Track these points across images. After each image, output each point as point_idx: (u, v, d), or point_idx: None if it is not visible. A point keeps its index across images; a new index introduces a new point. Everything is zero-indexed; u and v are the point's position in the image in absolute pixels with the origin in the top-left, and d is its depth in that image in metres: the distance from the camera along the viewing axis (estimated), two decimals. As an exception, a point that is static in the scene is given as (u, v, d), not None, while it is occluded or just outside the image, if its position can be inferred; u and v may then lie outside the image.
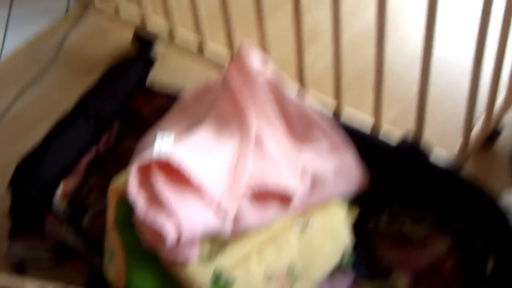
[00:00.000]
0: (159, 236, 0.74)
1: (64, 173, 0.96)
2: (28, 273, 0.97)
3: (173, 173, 0.80)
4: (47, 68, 1.37)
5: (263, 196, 0.84)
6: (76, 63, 1.38)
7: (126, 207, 0.80)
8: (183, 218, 0.75)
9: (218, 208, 0.79)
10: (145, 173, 0.80)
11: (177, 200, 0.77)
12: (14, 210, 0.96)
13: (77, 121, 1.02)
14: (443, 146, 1.06)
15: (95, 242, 0.88)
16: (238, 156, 0.87)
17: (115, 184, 0.83)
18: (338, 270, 0.91)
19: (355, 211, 0.94)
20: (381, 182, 0.95)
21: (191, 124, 0.97)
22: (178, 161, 0.79)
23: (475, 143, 1.06)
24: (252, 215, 0.82)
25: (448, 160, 1.04)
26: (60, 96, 1.29)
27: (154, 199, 0.77)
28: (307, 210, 0.89)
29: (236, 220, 0.81)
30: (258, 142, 0.90)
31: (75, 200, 1.01)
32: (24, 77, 1.35)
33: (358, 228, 0.94)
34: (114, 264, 0.81)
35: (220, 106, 0.94)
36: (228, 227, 0.80)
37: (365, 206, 0.96)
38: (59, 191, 0.93)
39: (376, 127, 1.06)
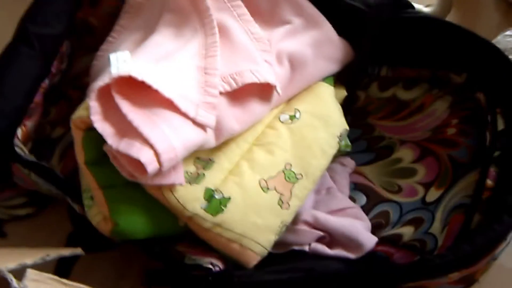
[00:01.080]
0: (138, 166, 0.65)
1: (18, 118, 0.84)
2: (7, 230, 0.90)
3: (138, 92, 0.68)
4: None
5: (241, 92, 0.74)
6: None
7: (94, 140, 0.70)
8: (159, 141, 0.65)
9: (195, 119, 0.69)
10: (107, 98, 0.69)
11: (149, 122, 0.67)
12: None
13: (20, 55, 0.88)
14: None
15: (70, 186, 0.78)
16: (205, 53, 0.76)
17: (77, 115, 0.72)
18: (336, 161, 0.85)
19: (343, 89, 0.86)
20: (363, 48, 0.85)
21: (147, 27, 0.85)
22: (141, 76, 0.67)
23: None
24: (234, 116, 0.73)
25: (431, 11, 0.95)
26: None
27: (123, 125, 0.67)
28: (291, 100, 0.81)
29: (218, 126, 0.72)
30: (224, 31, 0.78)
31: (39, 141, 0.91)
32: None
33: (349, 107, 0.87)
34: (95, 207, 0.73)
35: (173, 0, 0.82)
36: (211, 138, 0.71)
37: (352, 81, 0.88)
38: (18, 137, 0.83)
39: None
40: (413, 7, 0.84)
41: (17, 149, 0.80)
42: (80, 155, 0.73)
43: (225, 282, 0.72)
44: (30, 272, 0.52)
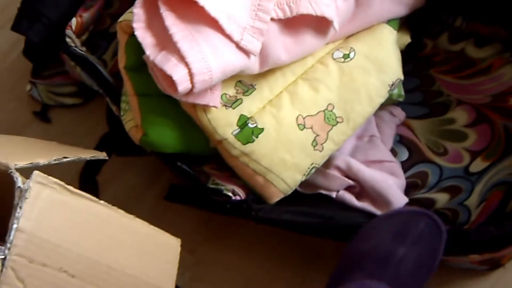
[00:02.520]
0: (171, 82, 0.63)
1: (72, 9, 0.83)
2: (51, 114, 0.92)
3: (186, 5, 0.65)
4: None
5: (296, 22, 0.69)
6: None
7: (137, 46, 0.67)
8: (196, 60, 0.63)
9: (239, 43, 0.66)
10: (154, 6, 0.66)
11: (190, 39, 0.64)
12: (27, 53, 0.88)
13: None
14: None
15: (110, 86, 0.78)
16: None
17: (124, 18, 0.71)
18: (385, 109, 0.80)
19: (408, 35, 0.80)
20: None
21: None
22: None
23: None
24: (283, 46, 0.69)
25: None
26: None
27: (165, 37, 0.65)
28: (349, 38, 0.76)
29: (264, 53, 0.68)
30: None
31: (97, 33, 0.91)
32: None
33: (413, 54, 0.81)
34: (130, 113, 0.73)
35: None
36: (254, 64, 0.68)
37: (421, 27, 0.82)
38: (72, 28, 0.83)
39: None
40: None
41: (67, 39, 0.80)
42: (121, 59, 0.72)
43: (243, 212, 0.72)
44: (37, 174, 0.52)
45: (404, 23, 0.80)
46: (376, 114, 0.79)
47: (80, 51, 0.80)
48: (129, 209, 0.62)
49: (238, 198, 0.73)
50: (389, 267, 0.65)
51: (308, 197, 0.76)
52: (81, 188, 0.57)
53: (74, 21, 0.83)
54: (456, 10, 0.81)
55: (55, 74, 0.91)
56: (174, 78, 0.62)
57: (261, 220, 0.72)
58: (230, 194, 0.73)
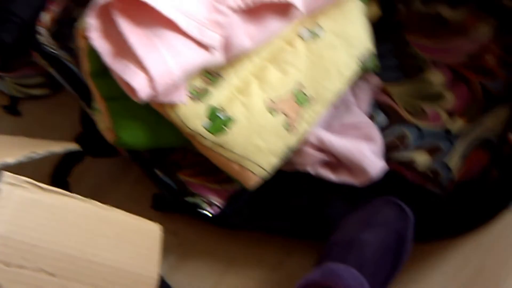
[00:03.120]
0: (131, 90, 0.62)
1: (42, 3, 0.80)
2: (21, 107, 0.90)
3: (141, 8, 0.63)
4: None
5: (258, 8, 0.67)
6: None
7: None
8: (154, 65, 0.61)
9: (199, 39, 0.64)
10: (108, 15, 0.64)
11: (147, 43, 0.62)
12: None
13: None
14: None
15: (83, 87, 0.75)
16: None
17: (82, 25, 0.67)
18: (360, 77, 0.79)
19: (375, 6, 0.78)
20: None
21: None
22: None
23: None
24: (247, 34, 0.67)
25: None
26: None
27: (122, 44, 0.63)
28: (314, 15, 0.73)
29: (228, 44, 0.66)
30: None
31: (64, 21, 0.88)
32: None
33: (384, 19, 0.79)
34: (100, 115, 0.71)
35: None
36: (218, 56, 0.66)
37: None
38: (42, 22, 0.80)
39: None
40: None
41: (39, 37, 0.78)
42: (85, 65, 0.70)
43: (222, 223, 0.75)
44: (6, 175, 0.51)
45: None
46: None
47: (51, 50, 0.78)
48: (105, 199, 0.61)
49: (216, 208, 0.75)
50: (353, 251, 0.67)
51: (288, 176, 0.76)
52: (53, 183, 0.56)
53: (45, 16, 0.80)
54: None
55: (22, 65, 0.88)
56: (134, 85, 0.61)
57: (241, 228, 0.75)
58: (207, 208, 0.74)
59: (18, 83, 0.89)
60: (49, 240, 0.54)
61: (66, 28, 0.87)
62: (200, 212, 0.75)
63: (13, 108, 0.89)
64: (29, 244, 0.52)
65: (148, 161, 0.76)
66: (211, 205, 0.75)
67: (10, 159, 0.55)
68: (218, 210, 0.75)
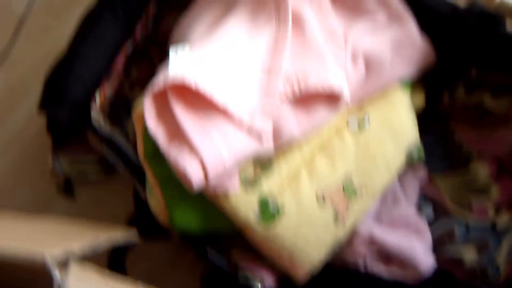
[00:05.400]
0: (184, 176, 0.65)
1: (97, 83, 0.84)
2: (76, 189, 0.93)
3: (194, 93, 0.67)
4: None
5: (306, 97, 0.70)
6: None
7: None
8: (207, 153, 0.64)
9: (250, 128, 0.67)
10: (163, 99, 0.68)
11: (200, 130, 0.65)
12: (51, 129, 0.90)
13: (102, 17, 0.87)
14: None
15: (138, 168, 0.77)
16: (274, 48, 0.72)
17: (139, 108, 0.71)
18: (406, 168, 0.80)
19: (422, 94, 0.80)
20: (450, 51, 0.78)
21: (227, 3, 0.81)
22: (194, 82, 0.65)
23: None
24: (296, 123, 0.69)
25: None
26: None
27: (176, 130, 0.66)
28: (362, 104, 0.75)
29: (277, 133, 0.69)
30: (298, 23, 0.73)
31: (117, 101, 0.92)
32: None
33: (430, 110, 0.81)
34: (154, 197, 0.74)
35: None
36: (267, 145, 0.69)
37: (435, 82, 0.81)
38: (96, 102, 0.84)
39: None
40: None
41: (93, 122, 0.81)
42: (140, 147, 0.73)
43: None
44: (74, 269, 0.52)
45: (418, 84, 0.80)
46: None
47: (105, 130, 0.81)
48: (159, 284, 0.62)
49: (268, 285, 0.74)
50: None
51: (335, 272, 0.76)
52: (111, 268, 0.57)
53: (97, 97, 0.83)
54: (469, 62, 0.80)
55: (76, 147, 0.91)
56: (188, 173, 0.63)
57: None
58: (259, 286, 0.74)
59: (73, 161, 0.92)
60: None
61: (120, 109, 0.92)
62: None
63: (68, 190, 0.92)
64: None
65: (201, 239, 0.76)
66: (263, 283, 0.74)
67: (76, 247, 0.56)
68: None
